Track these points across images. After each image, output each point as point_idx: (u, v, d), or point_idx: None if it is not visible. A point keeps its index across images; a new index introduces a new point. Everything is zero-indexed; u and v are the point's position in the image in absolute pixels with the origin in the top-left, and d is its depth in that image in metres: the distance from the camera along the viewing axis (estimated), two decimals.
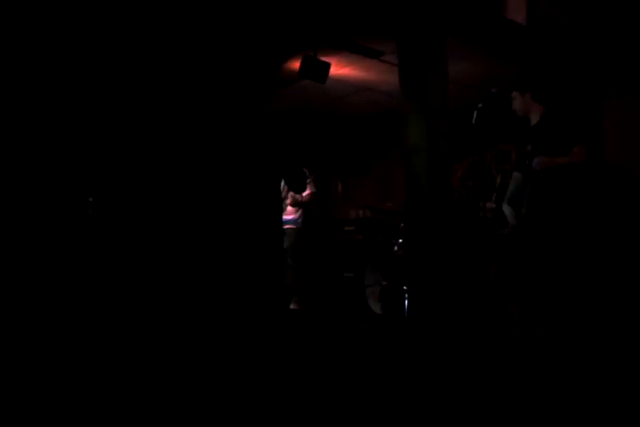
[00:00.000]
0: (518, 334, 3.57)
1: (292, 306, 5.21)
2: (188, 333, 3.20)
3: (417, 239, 3.82)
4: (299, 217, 5.32)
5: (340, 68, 5.07)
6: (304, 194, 5.25)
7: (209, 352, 3.12)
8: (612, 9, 4.26)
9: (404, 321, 4.71)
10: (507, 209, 4.16)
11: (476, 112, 4.01)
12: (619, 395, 2.39)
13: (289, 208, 5.30)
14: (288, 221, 5.28)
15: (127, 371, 2.82)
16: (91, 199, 4.13)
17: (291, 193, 5.26)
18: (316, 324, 4.97)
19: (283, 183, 5.21)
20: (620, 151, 5.33)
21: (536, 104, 3.87)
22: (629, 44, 4.65)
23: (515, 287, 4.15)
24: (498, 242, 4.65)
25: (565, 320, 3.55)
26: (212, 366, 2.93)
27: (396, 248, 5.26)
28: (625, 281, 4.13)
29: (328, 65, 4.61)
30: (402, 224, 5.21)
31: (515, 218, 3.90)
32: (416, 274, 3.95)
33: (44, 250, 3.43)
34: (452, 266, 3.77)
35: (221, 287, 3.31)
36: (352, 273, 5.81)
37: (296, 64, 4.70)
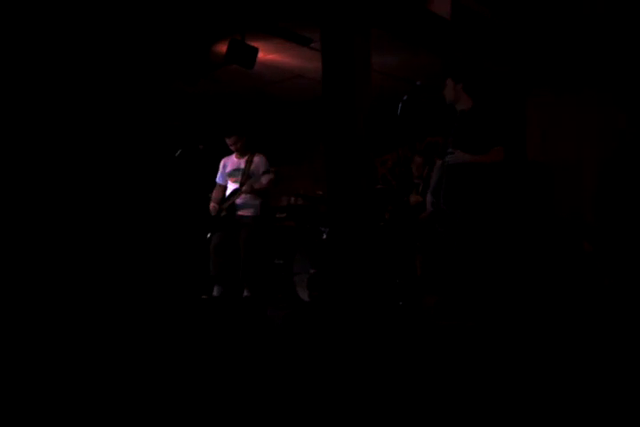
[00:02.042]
0: (432, 324, 3.67)
1: (215, 292, 5.15)
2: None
3: (338, 229, 3.85)
4: (259, 203, 5.09)
5: (268, 54, 5.00)
6: (264, 181, 5.02)
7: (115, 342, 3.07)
8: (536, 4, 4.36)
9: (330, 309, 4.76)
10: (429, 197, 4.26)
11: (401, 104, 4.06)
12: (533, 382, 2.49)
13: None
14: (245, 206, 5.05)
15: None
16: None
17: (251, 181, 5.05)
18: (241, 312, 4.95)
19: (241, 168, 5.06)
20: (542, 146, 5.54)
21: (465, 96, 3.92)
22: (551, 40, 4.80)
23: (434, 277, 4.26)
24: (423, 231, 4.76)
25: (481, 310, 3.68)
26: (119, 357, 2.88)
27: (324, 236, 5.29)
28: (537, 271, 4.32)
29: (256, 50, 4.52)
30: None
31: (433, 207, 3.99)
32: (338, 262, 3.98)
33: None
34: (372, 254, 3.82)
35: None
36: (282, 260, 5.81)
37: (225, 48, 4.59)
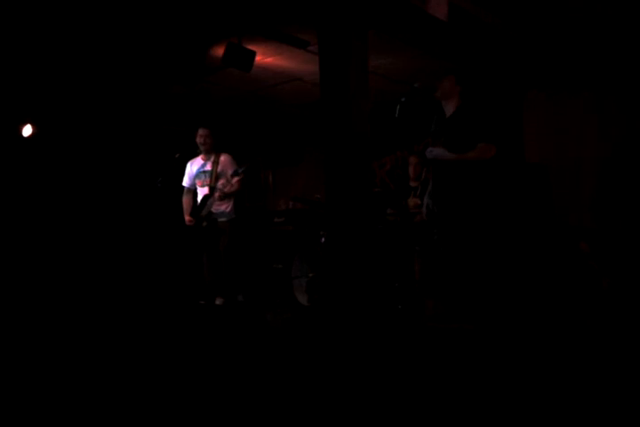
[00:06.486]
0: (430, 327, 3.64)
1: (217, 302, 5.10)
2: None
3: (337, 232, 3.82)
4: (229, 207, 5.06)
5: (266, 57, 5.00)
6: (232, 181, 5.03)
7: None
8: (534, 5, 4.34)
9: (329, 313, 4.73)
10: (425, 200, 4.23)
11: (399, 106, 4.03)
12: (531, 386, 2.46)
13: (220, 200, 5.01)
14: (220, 214, 5.02)
15: None
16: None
17: (220, 182, 5.04)
18: (239, 316, 4.93)
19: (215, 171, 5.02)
20: (540, 148, 5.52)
21: (457, 98, 3.87)
22: (549, 42, 4.79)
23: (431, 280, 4.24)
24: (421, 234, 4.74)
25: (476, 313, 3.66)
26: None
27: (323, 240, 5.27)
28: (531, 274, 4.30)
29: (253, 53, 4.51)
30: None
31: (427, 211, 3.95)
32: (337, 266, 3.96)
33: None
34: (371, 258, 3.79)
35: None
36: (281, 264, 5.78)
37: (222, 51, 4.57)
